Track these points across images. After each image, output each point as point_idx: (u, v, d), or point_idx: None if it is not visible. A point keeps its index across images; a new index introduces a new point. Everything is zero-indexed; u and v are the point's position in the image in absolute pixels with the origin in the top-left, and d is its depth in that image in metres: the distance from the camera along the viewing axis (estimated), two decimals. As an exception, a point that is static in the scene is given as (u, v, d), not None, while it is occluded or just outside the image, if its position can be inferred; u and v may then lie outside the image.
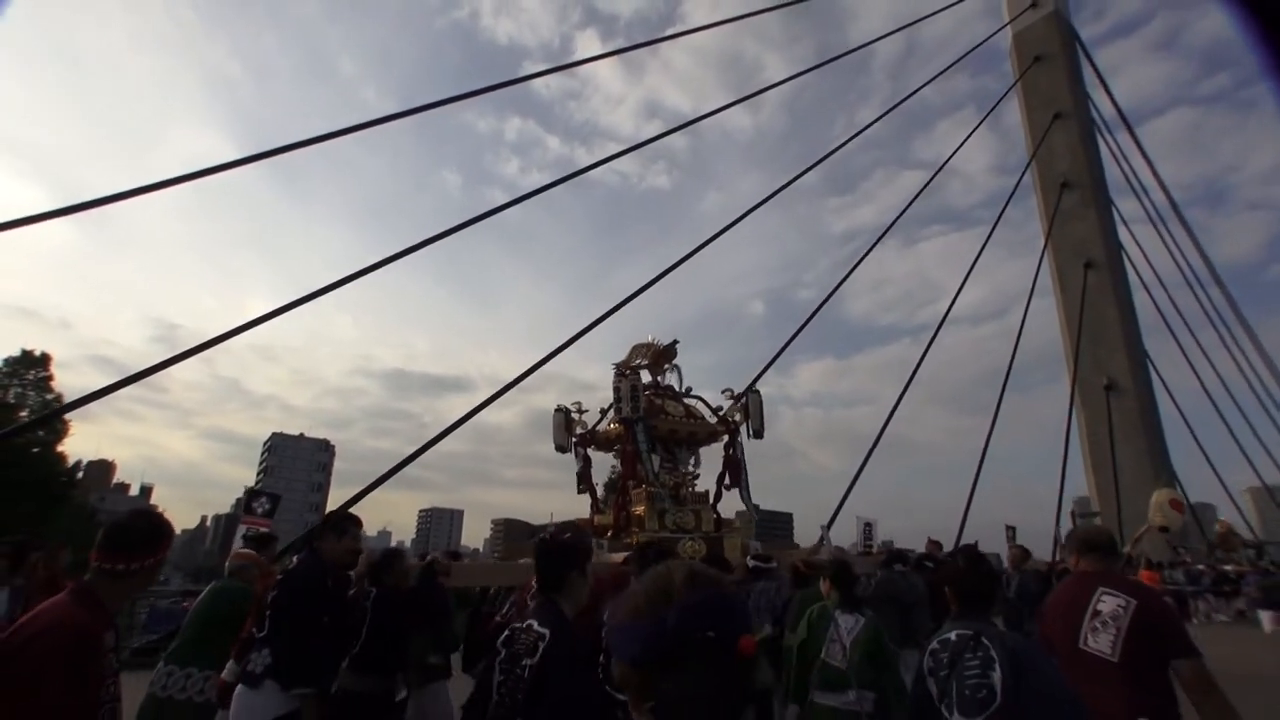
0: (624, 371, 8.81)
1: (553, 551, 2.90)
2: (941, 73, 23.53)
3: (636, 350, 9.58)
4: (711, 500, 9.36)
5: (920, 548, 8.37)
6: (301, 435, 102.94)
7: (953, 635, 2.49)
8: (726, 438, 9.55)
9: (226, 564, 4.78)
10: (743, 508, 9.77)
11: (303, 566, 3.66)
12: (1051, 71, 28.72)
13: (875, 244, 16.82)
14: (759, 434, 9.47)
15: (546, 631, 2.58)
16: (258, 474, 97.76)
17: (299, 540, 3.97)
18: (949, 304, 17.70)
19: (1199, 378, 23.84)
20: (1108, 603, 2.93)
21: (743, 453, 9.41)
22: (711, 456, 9.71)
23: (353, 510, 4.49)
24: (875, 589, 6.87)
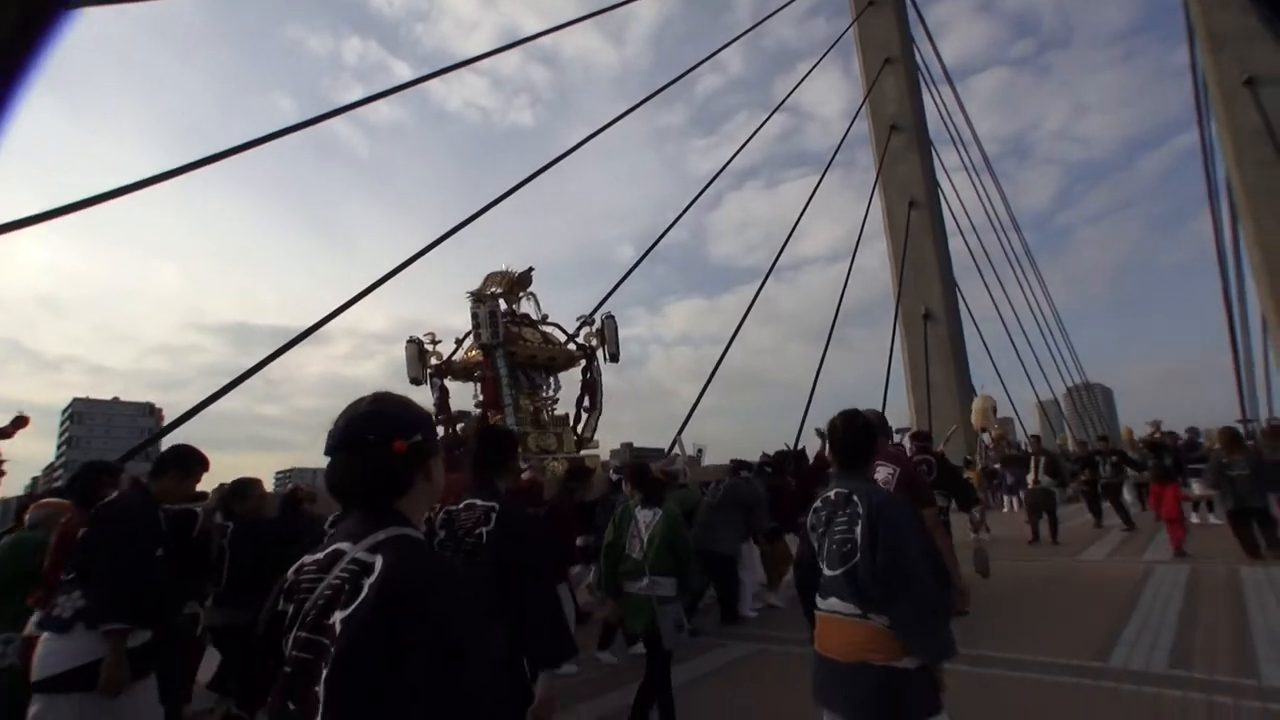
0: (481, 298, 8.76)
1: (494, 439, 3.17)
2: (780, 9, 24.14)
3: (491, 278, 9.52)
4: (571, 422, 9.62)
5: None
6: (116, 399, 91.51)
7: (832, 493, 2.63)
8: (584, 362, 9.78)
9: (28, 515, 4.34)
10: (612, 426, 10.08)
11: (123, 499, 3.24)
12: (883, 17, 30.12)
13: (701, 192, 17.33)
14: (615, 358, 9.77)
15: (495, 504, 2.76)
16: (58, 447, 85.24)
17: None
18: (778, 251, 18.76)
19: (997, 309, 26.93)
20: (880, 471, 3.90)
21: (599, 375, 9.68)
22: (569, 382, 9.93)
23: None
24: (723, 492, 7.42)
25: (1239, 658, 4.63)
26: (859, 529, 2.40)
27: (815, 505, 2.69)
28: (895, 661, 2.26)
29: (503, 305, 9.14)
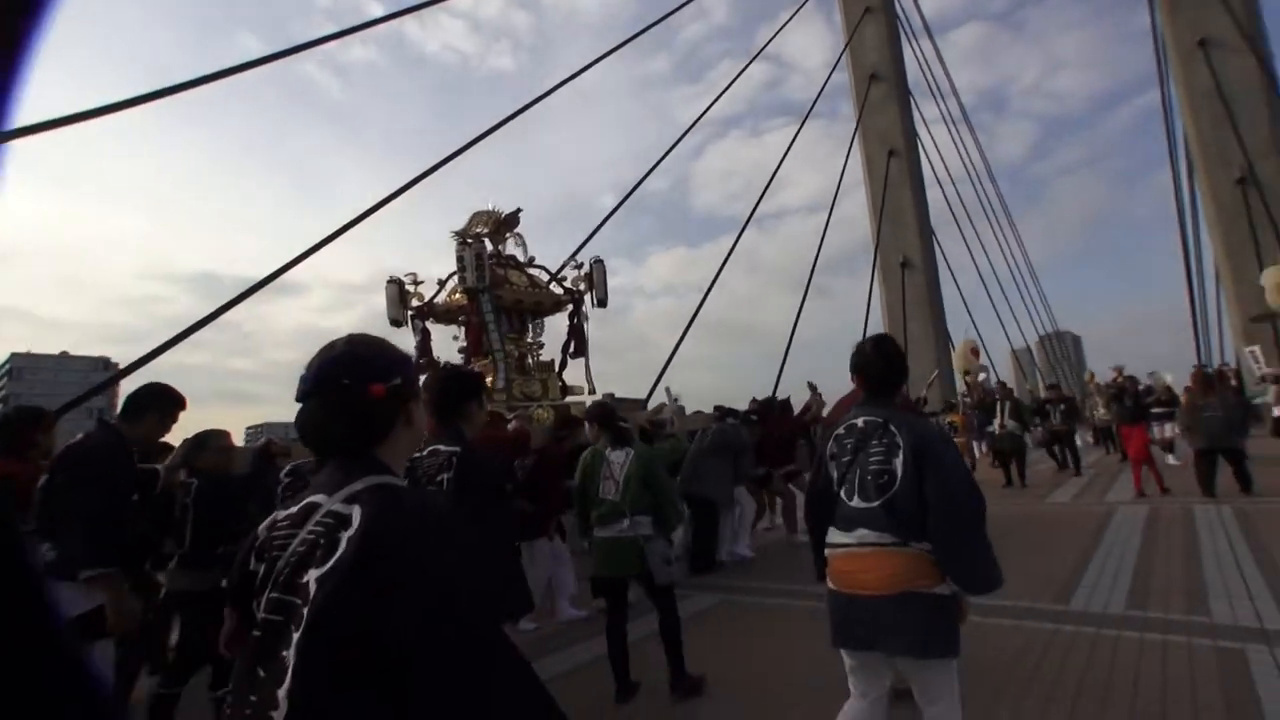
0: (467, 239, 8.44)
1: (454, 381, 3.01)
2: None
3: (477, 218, 9.17)
4: (557, 369, 9.41)
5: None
6: (64, 354, 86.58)
7: (860, 421, 2.46)
8: (571, 307, 9.54)
9: None
10: (601, 372, 9.89)
11: (91, 441, 2.99)
12: (864, -37, 29.59)
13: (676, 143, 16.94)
14: (603, 303, 9.53)
15: (457, 448, 2.65)
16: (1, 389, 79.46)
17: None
18: (755, 201, 18.60)
19: (974, 260, 27.31)
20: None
21: (586, 321, 9.46)
22: (555, 326, 9.71)
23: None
24: (711, 438, 7.36)
25: (1191, 597, 4.78)
26: (899, 460, 2.27)
27: (838, 433, 2.52)
28: (938, 588, 2.19)
29: (488, 246, 8.82)
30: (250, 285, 7.91)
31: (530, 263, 9.55)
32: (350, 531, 0.96)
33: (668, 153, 15.48)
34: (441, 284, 9.31)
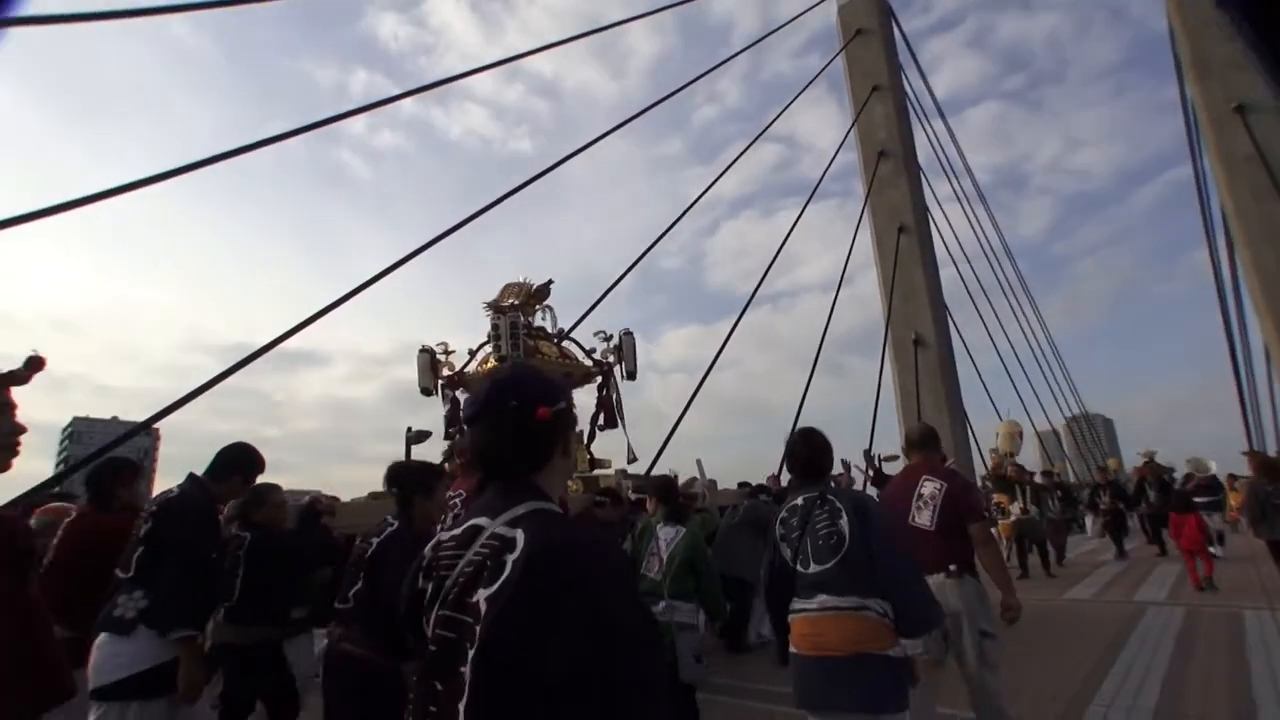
0: (503, 309, 8.50)
1: (407, 472, 3.11)
2: (764, 37, 24.27)
3: (508, 289, 9.26)
4: (586, 440, 9.35)
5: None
6: (114, 419, 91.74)
7: (799, 500, 2.85)
8: (600, 379, 9.54)
9: (34, 520, 4.06)
10: (619, 448, 9.82)
11: (188, 496, 3.09)
12: (871, 45, 30.61)
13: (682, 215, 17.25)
14: (632, 375, 9.53)
15: (396, 522, 2.80)
16: (55, 467, 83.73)
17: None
18: (759, 278, 18.66)
19: (991, 339, 27.60)
20: (927, 487, 3.93)
21: (618, 393, 9.45)
22: (584, 399, 9.67)
23: None
24: (743, 515, 7.31)
25: None
26: (844, 521, 2.64)
27: (782, 515, 2.91)
28: (891, 650, 2.49)
29: (522, 318, 8.88)
30: (262, 346, 7.96)
31: (560, 335, 9.60)
32: (515, 554, 1.00)
33: (674, 224, 15.62)
34: (472, 354, 9.34)
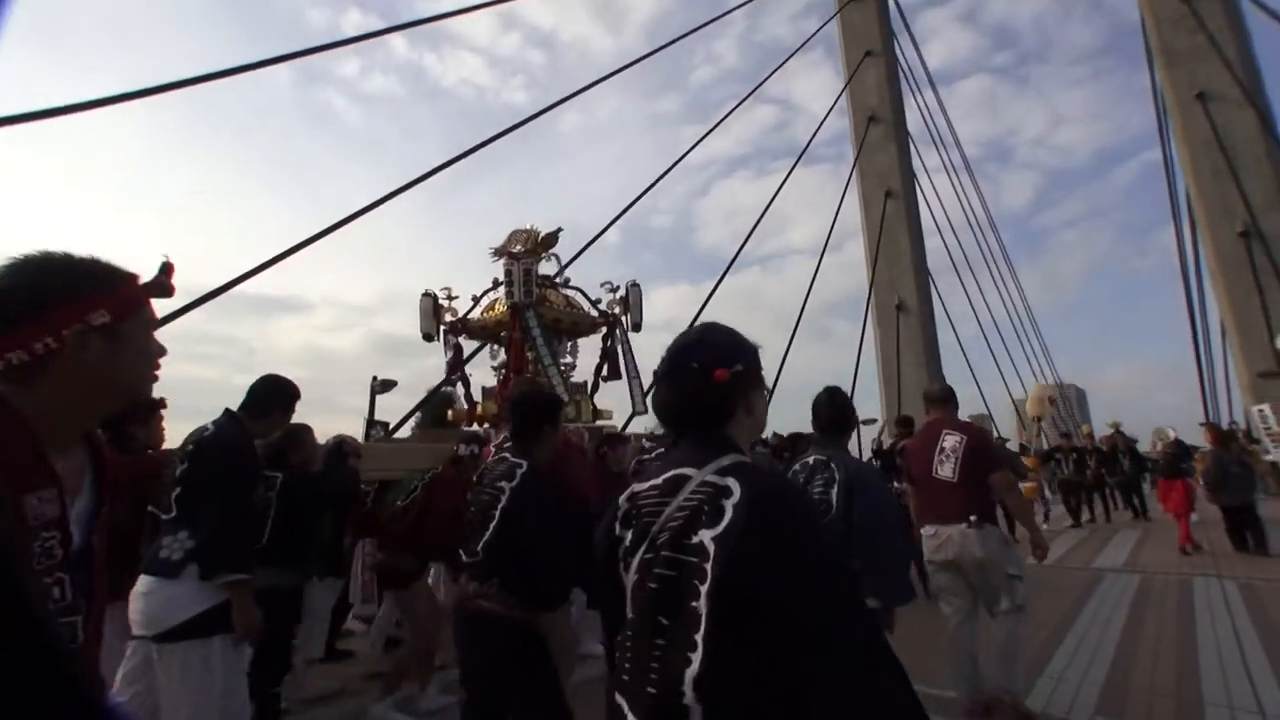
0: (517, 255, 8.31)
1: (531, 403, 3.03)
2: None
3: (515, 236, 9.03)
4: (590, 391, 9.28)
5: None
6: None
7: (811, 459, 3.07)
8: (605, 329, 9.44)
9: None
10: (624, 398, 9.75)
11: (224, 433, 2.93)
12: (865, 11, 30.44)
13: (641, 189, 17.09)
14: (637, 327, 9.43)
15: (524, 461, 2.69)
16: None
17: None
18: (741, 244, 18.66)
19: (973, 308, 27.55)
20: (949, 440, 4.05)
21: (627, 344, 9.36)
22: (588, 348, 9.58)
23: None
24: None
25: (1182, 707, 3.92)
26: (834, 492, 2.80)
27: (794, 469, 3.13)
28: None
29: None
30: (226, 282, 7.88)
31: (565, 283, 9.45)
32: (733, 499, 1.08)
33: (662, 176, 15.78)
34: (476, 300, 9.16)
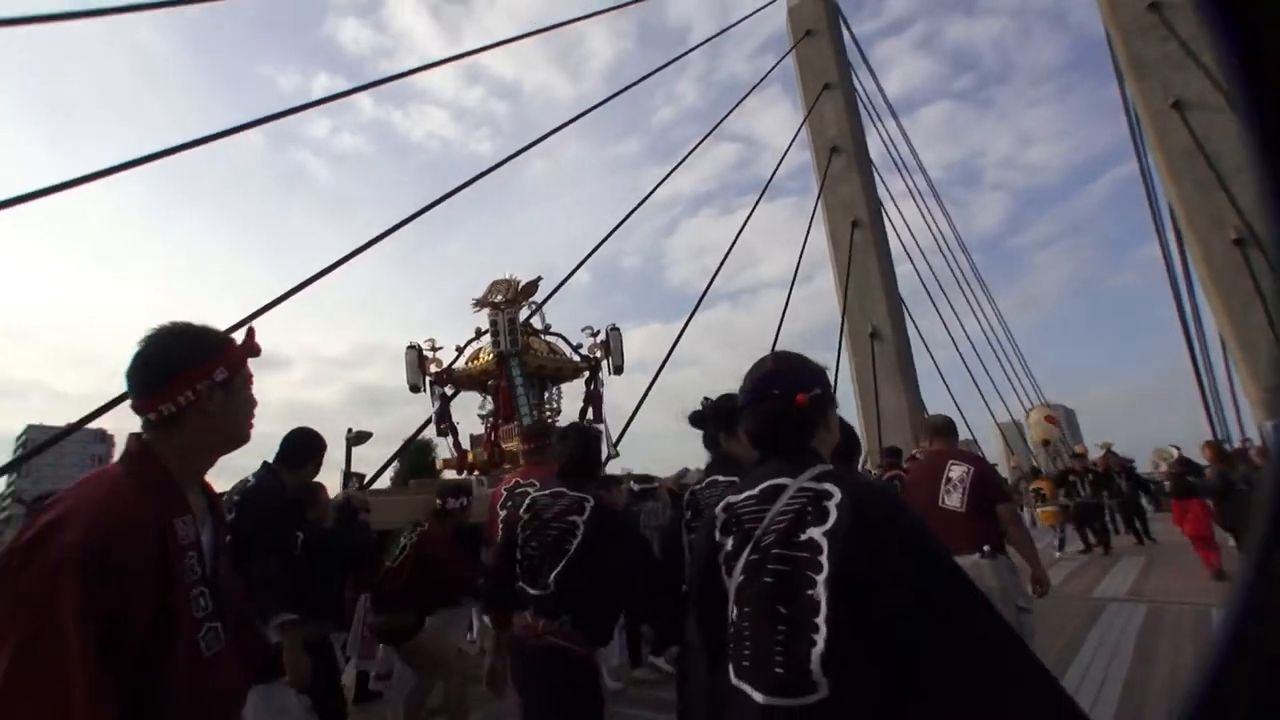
0: (501, 305, 8.51)
1: (590, 439, 3.09)
2: (715, 36, 25.04)
3: (495, 286, 9.24)
4: (576, 435, 9.43)
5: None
6: (68, 426, 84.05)
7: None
8: (588, 373, 9.63)
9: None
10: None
11: (264, 485, 3.13)
12: (820, 46, 31.25)
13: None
14: (619, 370, 9.63)
15: (588, 496, 2.75)
16: (8, 477, 77.87)
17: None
18: (709, 279, 18.64)
19: (949, 333, 27.37)
20: (955, 470, 4.06)
21: (602, 388, 9.54)
22: (571, 394, 9.75)
23: None
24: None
25: None
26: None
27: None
28: None
29: (520, 314, 8.91)
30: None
31: (547, 330, 9.65)
32: (835, 500, 1.25)
33: (626, 217, 15.41)
34: (460, 350, 9.33)
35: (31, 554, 1.04)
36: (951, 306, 28.02)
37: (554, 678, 2.48)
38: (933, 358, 26.38)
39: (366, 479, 14.41)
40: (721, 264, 18.71)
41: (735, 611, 1.33)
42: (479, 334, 9.18)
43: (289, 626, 2.83)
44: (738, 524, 1.38)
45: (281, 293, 10.11)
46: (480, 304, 9.13)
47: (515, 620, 2.63)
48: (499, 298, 9.22)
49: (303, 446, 3.32)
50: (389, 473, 14.78)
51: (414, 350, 9.12)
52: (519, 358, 8.45)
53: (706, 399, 3.10)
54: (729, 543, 1.38)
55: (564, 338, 9.85)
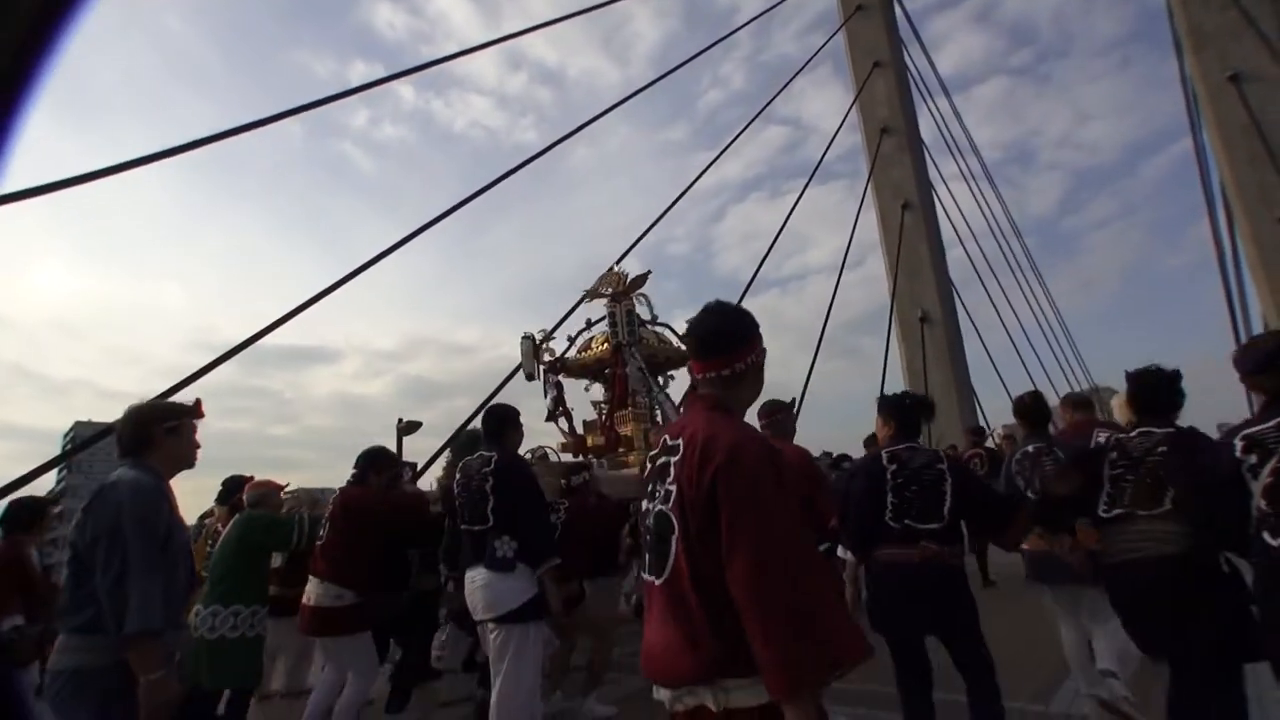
0: (618, 297, 8.97)
1: (923, 403, 3.80)
2: (761, 14, 24.77)
3: (604, 279, 9.72)
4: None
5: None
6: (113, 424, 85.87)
7: (1030, 448, 4.06)
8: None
9: (245, 495, 4.55)
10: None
11: (519, 459, 3.98)
12: (871, 21, 30.71)
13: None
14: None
15: (935, 450, 3.62)
16: (58, 472, 79.48)
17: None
18: (757, 265, 18.91)
19: (1000, 316, 27.41)
20: (1103, 436, 4.18)
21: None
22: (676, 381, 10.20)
23: None
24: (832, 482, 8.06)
25: None
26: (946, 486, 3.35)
27: (1017, 458, 4.16)
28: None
29: (634, 305, 9.35)
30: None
31: (654, 321, 10.09)
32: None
33: (674, 202, 15.35)
34: (571, 340, 9.81)
35: (738, 455, 1.54)
36: (1003, 290, 27.86)
37: (952, 590, 3.13)
38: (983, 341, 26.41)
39: (419, 467, 15.02)
40: (770, 249, 18.91)
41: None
42: (589, 324, 9.64)
43: (553, 570, 3.59)
44: (899, 464, 3.20)
45: (329, 284, 10.23)
46: (591, 295, 9.60)
47: (880, 553, 3.23)
48: (608, 289, 9.67)
49: (507, 420, 4.00)
50: (440, 461, 15.35)
51: (529, 340, 9.59)
52: (635, 347, 8.90)
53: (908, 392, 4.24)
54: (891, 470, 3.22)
55: (670, 327, 10.29)
